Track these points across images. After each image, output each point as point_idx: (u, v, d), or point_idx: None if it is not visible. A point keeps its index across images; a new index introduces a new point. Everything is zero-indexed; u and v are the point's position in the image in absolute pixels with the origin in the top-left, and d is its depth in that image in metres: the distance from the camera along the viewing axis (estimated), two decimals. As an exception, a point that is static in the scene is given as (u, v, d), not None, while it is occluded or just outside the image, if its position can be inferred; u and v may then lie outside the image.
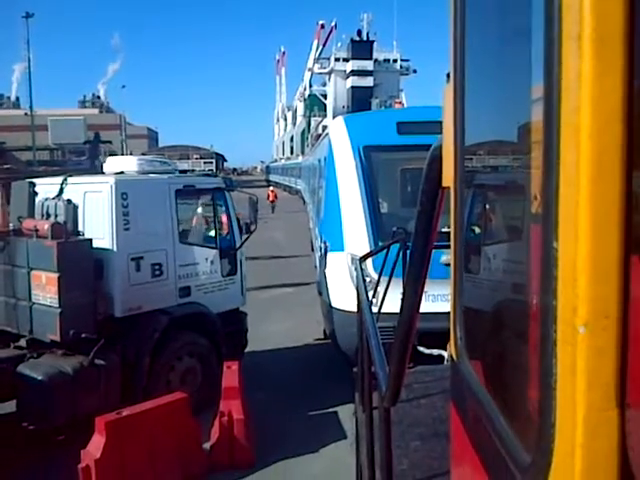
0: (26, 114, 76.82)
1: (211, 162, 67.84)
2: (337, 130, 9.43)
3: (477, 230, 1.57)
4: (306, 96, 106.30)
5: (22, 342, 7.59)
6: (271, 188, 45.66)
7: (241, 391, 6.82)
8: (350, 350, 7.20)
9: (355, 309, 4.38)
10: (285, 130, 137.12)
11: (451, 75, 1.47)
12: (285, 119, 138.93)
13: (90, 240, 7.13)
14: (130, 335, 7.43)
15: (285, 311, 13.02)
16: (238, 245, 8.86)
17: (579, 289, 0.80)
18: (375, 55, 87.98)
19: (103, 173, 8.59)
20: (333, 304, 8.16)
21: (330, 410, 7.99)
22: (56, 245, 6.73)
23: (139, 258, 7.54)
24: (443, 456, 3.38)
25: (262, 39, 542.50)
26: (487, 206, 1.57)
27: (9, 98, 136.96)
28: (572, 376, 0.82)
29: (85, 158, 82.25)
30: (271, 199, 40.65)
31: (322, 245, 9.36)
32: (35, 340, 7.20)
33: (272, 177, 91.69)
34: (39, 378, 6.65)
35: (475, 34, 1.36)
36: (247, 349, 9.11)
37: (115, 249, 7.34)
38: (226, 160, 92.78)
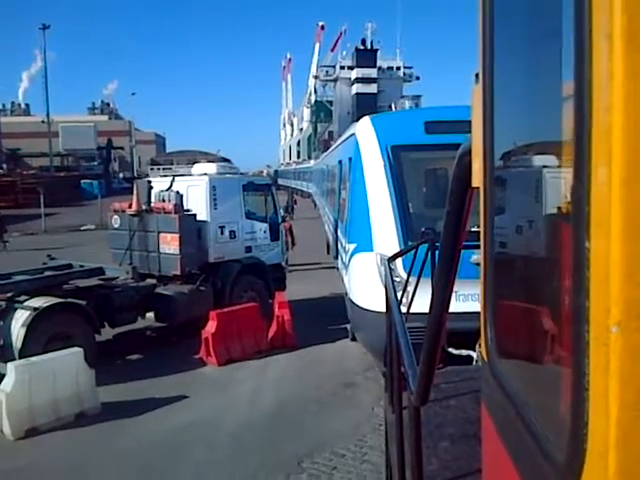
0: (43, 121, 79.35)
1: (219, 166, 71.44)
2: (364, 130, 9.24)
3: (507, 230, 1.53)
4: (312, 102, 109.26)
5: (148, 280, 12.17)
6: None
7: (288, 304, 11.37)
8: (378, 351, 7.31)
9: (384, 309, 4.35)
10: (292, 135, 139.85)
11: (480, 75, 1.47)
12: (292, 124, 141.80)
13: (195, 214, 11.72)
14: (217, 274, 12.04)
15: (307, 279, 17.52)
16: (280, 220, 13.48)
17: (612, 289, 0.79)
18: (379, 63, 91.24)
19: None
20: (362, 304, 8.23)
21: (341, 326, 12.40)
22: (178, 217, 11.32)
23: (222, 227, 12.17)
24: (472, 457, 3.38)
25: (268, 45, 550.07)
26: (517, 206, 1.51)
27: (19, 105, 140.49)
28: (605, 376, 0.80)
29: (97, 163, 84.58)
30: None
31: (348, 246, 9.39)
32: (162, 276, 11.78)
33: (281, 181, 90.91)
34: (170, 294, 11.27)
35: (504, 33, 1.35)
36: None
37: (209, 220, 11.93)
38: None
